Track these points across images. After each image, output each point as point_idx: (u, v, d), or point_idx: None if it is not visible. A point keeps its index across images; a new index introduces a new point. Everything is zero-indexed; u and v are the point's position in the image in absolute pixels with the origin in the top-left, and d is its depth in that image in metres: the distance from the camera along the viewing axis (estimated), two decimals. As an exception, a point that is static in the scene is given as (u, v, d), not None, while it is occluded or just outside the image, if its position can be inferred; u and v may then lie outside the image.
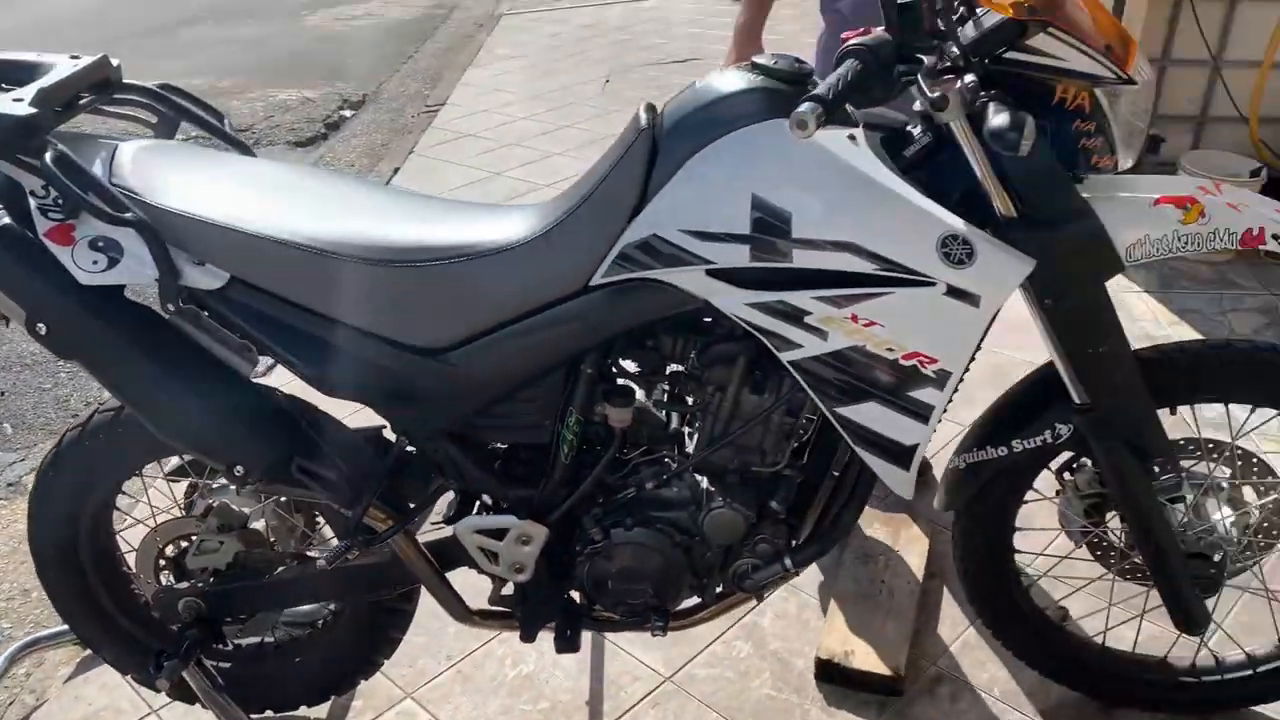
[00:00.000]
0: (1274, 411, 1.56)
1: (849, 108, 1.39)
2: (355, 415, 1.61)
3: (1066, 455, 1.65)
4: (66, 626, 2.12)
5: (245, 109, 6.01)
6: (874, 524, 2.24)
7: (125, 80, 1.57)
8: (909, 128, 1.41)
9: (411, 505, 1.57)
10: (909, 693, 1.87)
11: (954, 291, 1.30)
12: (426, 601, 1.72)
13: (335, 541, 1.71)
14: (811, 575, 2.15)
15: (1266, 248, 1.38)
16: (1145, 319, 2.92)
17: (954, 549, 1.73)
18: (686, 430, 1.58)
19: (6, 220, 1.40)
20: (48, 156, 1.35)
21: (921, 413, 1.38)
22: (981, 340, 1.35)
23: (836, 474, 1.55)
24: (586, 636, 2.00)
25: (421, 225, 1.46)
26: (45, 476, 1.67)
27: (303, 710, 1.89)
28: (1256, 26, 3.32)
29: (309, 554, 1.70)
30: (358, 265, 1.41)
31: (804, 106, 1.13)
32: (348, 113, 6.10)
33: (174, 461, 1.72)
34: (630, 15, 7.95)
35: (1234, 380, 1.51)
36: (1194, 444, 1.61)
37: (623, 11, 8.11)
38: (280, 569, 1.67)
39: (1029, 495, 1.68)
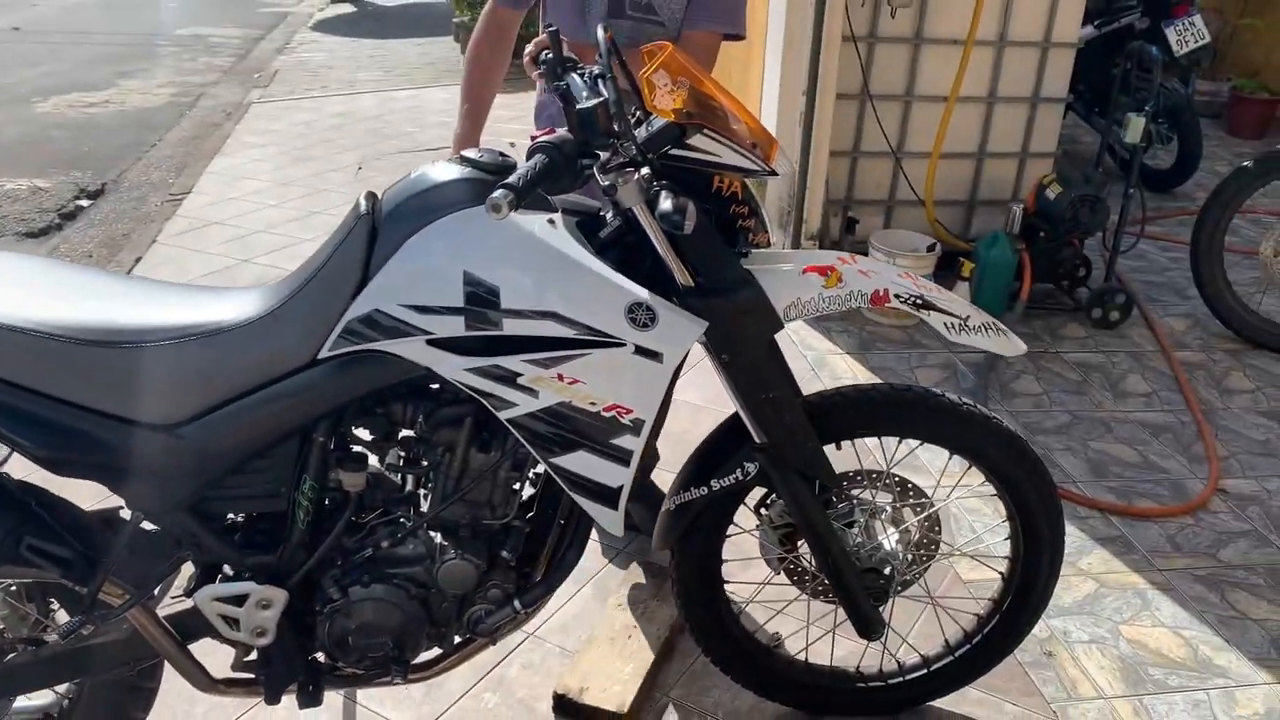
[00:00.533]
0: (916, 442, 1.86)
1: (550, 197, 1.60)
2: (101, 499, 1.63)
3: (761, 492, 1.90)
4: None
5: (-34, 199, 5.67)
6: (647, 574, 2.37)
7: None
8: (603, 213, 1.63)
9: (149, 580, 1.60)
10: (643, 722, 2.04)
11: (641, 350, 1.51)
12: (172, 679, 1.74)
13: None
14: (556, 625, 2.30)
15: (891, 305, 1.68)
16: (846, 376, 3.30)
17: (672, 584, 1.93)
18: (421, 491, 1.71)
19: None
20: None
21: (623, 457, 1.57)
22: (669, 391, 1.56)
23: (562, 522, 1.72)
24: (335, 699, 2.07)
25: (151, 307, 1.54)
26: None
27: (37, 808, 1.84)
28: (928, 123, 3.87)
29: (43, 638, 1.69)
30: (85, 348, 1.47)
31: (498, 193, 1.31)
32: (85, 202, 5.86)
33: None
34: (383, 104, 8.08)
35: (883, 417, 1.80)
36: (860, 475, 1.88)
37: (375, 100, 8.23)
38: (12, 655, 1.65)
39: (732, 530, 1.91)
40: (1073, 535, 2.58)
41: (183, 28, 13.49)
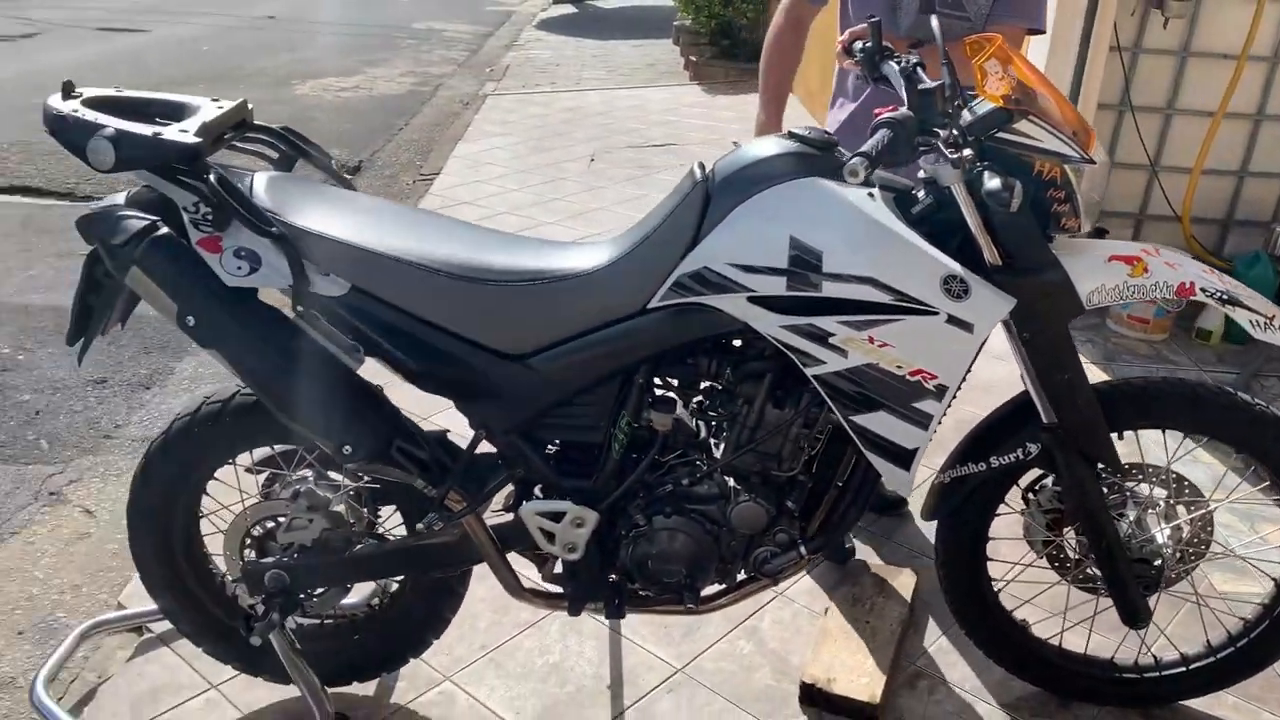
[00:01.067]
0: (1204, 438, 1.88)
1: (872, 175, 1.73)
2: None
3: (1033, 475, 1.96)
4: (127, 610, 2.33)
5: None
6: (864, 574, 2.42)
7: (255, 122, 1.86)
8: (914, 191, 1.74)
9: (485, 490, 1.82)
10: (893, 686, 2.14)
11: (953, 320, 1.61)
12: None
13: (397, 531, 1.97)
14: (803, 587, 2.42)
15: (1196, 298, 1.72)
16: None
17: (935, 555, 2.02)
18: (712, 439, 1.87)
19: (166, 230, 1.66)
20: (211, 178, 1.63)
21: (922, 421, 1.68)
22: (973, 362, 1.66)
23: (840, 483, 1.85)
24: (601, 630, 2.26)
25: (513, 254, 1.76)
26: (152, 459, 1.90)
27: (354, 687, 2.10)
28: (1189, 138, 3.78)
29: (386, 536, 1.94)
30: (462, 283, 1.69)
31: (855, 160, 1.46)
32: (347, 177, 6.38)
33: (261, 454, 1.97)
34: (609, 101, 8.41)
35: (1172, 410, 1.84)
36: (1137, 468, 1.92)
37: (601, 98, 8.57)
38: (360, 546, 1.90)
39: (1001, 511, 1.98)
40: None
41: (418, 22, 14.35)
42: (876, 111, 1.58)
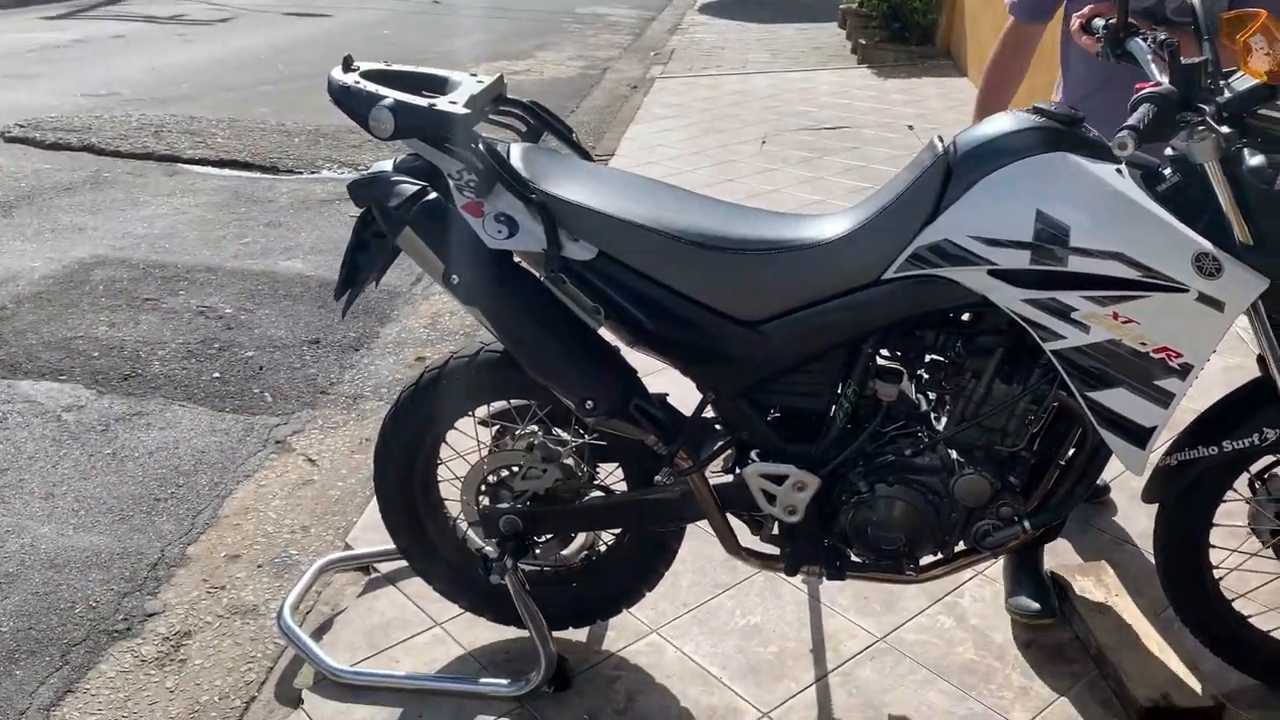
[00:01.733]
0: None
1: (1118, 151, 1.72)
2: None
3: (1265, 462, 1.92)
4: (358, 550, 2.52)
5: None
6: (1075, 578, 2.31)
7: (509, 97, 1.98)
8: (1160, 169, 1.73)
9: (711, 450, 1.90)
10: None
11: (1204, 298, 1.60)
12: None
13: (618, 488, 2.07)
14: (999, 569, 2.42)
15: None
16: None
17: (1155, 540, 1.99)
18: (934, 413, 1.89)
19: (435, 195, 1.80)
20: (480, 146, 1.76)
21: (1163, 399, 1.67)
22: (1219, 341, 1.64)
23: (1062, 463, 1.85)
24: (801, 597, 2.32)
25: (749, 224, 1.82)
26: (402, 406, 2.05)
27: (569, 634, 2.23)
28: None
29: (611, 490, 2.05)
30: (701, 250, 1.77)
31: (1124, 133, 1.47)
32: (587, 148, 6.61)
33: (496, 408, 2.10)
34: (778, 84, 8.40)
35: None
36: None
37: (770, 81, 8.57)
38: (590, 498, 2.01)
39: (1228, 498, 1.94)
40: None
41: (583, 7, 14.59)
42: (1139, 86, 1.57)
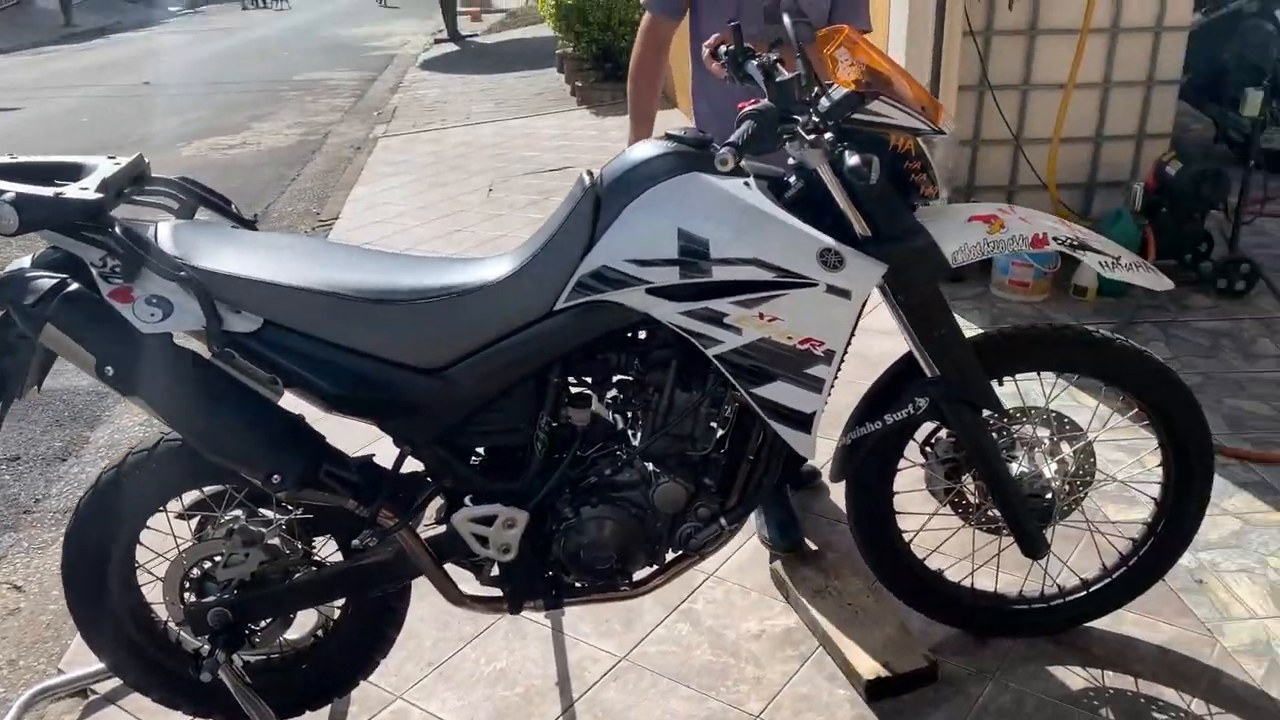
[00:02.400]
0: (1074, 376, 2.05)
1: (742, 165, 1.86)
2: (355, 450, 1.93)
3: (928, 430, 2.11)
4: (70, 674, 2.33)
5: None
6: (795, 567, 2.44)
7: (154, 175, 1.92)
8: (786, 178, 1.88)
9: (414, 504, 1.90)
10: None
11: (832, 289, 1.75)
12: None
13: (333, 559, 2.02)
14: (733, 566, 2.53)
15: (1053, 248, 1.89)
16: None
17: (848, 514, 2.15)
18: (630, 429, 1.97)
19: (77, 285, 1.71)
20: (117, 230, 1.69)
21: (816, 385, 1.81)
22: (855, 326, 1.80)
23: (752, 457, 1.96)
24: (544, 631, 2.34)
25: (419, 273, 1.84)
26: (82, 516, 1.93)
27: (307, 716, 2.14)
28: (1046, 111, 4.03)
29: (323, 562, 2.00)
30: (372, 305, 1.77)
31: (724, 150, 1.58)
32: (248, 218, 6.35)
33: (190, 499, 2.00)
34: (502, 132, 8.52)
35: (1041, 353, 2.00)
36: (1021, 411, 2.08)
37: (494, 130, 8.68)
38: (297, 575, 1.95)
39: (903, 465, 2.12)
40: (1216, 481, 2.71)
41: (301, 74, 14.27)
42: (740, 105, 1.71)
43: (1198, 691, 2.07)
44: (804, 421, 1.84)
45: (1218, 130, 4.23)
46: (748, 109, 1.68)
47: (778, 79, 1.73)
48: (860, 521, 2.14)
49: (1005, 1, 3.84)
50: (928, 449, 2.15)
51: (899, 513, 2.16)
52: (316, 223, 6.26)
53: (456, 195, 6.48)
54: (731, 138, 1.62)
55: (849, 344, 1.81)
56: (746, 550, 2.60)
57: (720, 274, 1.74)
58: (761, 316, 1.76)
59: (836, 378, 1.82)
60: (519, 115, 9.38)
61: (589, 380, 1.93)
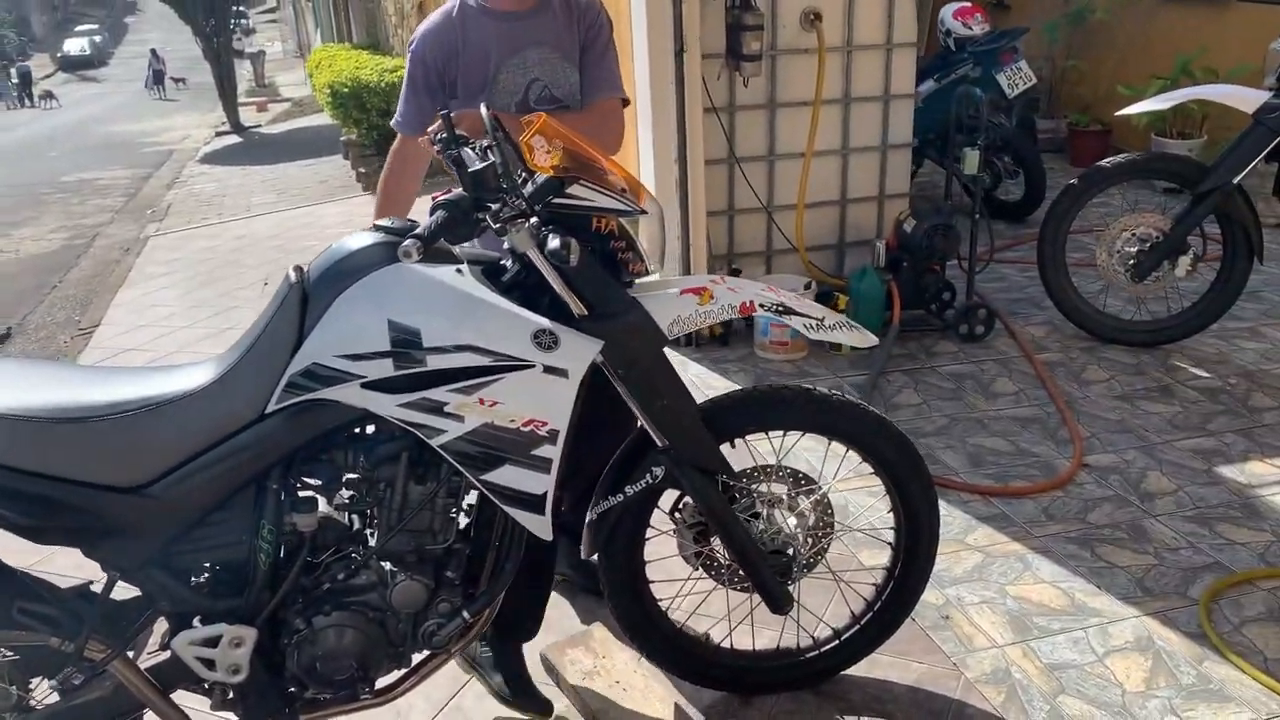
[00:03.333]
0: (800, 434, 2.14)
1: (456, 249, 1.87)
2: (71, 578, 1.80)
3: (674, 497, 2.14)
4: None
5: None
6: (564, 651, 2.41)
7: None
8: (503, 262, 1.89)
9: (128, 633, 1.77)
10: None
11: (549, 369, 1.76)
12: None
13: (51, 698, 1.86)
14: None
15: (758, 315, 1.97)
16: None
17: (603, 590, 2.15)
18: (368, 530, 1.91)
19: None
20: None
21: (544, 466, 1.81)
22: (578, 402, 1.81)
23: (497, 543, 1.94)
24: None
25: (116, 386, 1.74)
26: None
27: None
28: (791, 178, 4.26)
29: (33, 708, 1.82)
30: (63, 425, 1.66)
31: (408, 242, 1.58)
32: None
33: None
34: (281, 224, 8.30)
35: (765, 414, 2.07)
36: (756, 470, 2.14)
37: (274, 221, 8.45)
38: (4, 722, 1.78)
39: (653, 534, 2.14)
40: (958, 517, 2.88)
41: (67, 175, 13.56)
42: (434, 196, 1.71)
43: (946, 724, 2.16)
44: (536, 503, 1.83)
45: (951, 181, 4.58)
46: (440, 198, 1.69)
47: (471, 168, 1.75)
48: (615, 594, 2.14)
49: (741, 80, 4.04)
50: (676, 514, 2.18)
51: (653, 581, 2.18)
52: (77, 331, 5.90)
53: (231, 290, 6.24)
54: (418, 229, 1.62)
55: (574, 422, 1.82)
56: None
57: (435, 363, 1.73)
58: (482, 402, 1.75)
59: (562, 457, 1.83)
60: (302, 204, 9.18)
61: (317, 482, 1.87)
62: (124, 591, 1.81)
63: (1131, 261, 3.89)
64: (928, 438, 3.35)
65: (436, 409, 1.74)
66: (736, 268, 4.23)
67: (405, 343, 1.72)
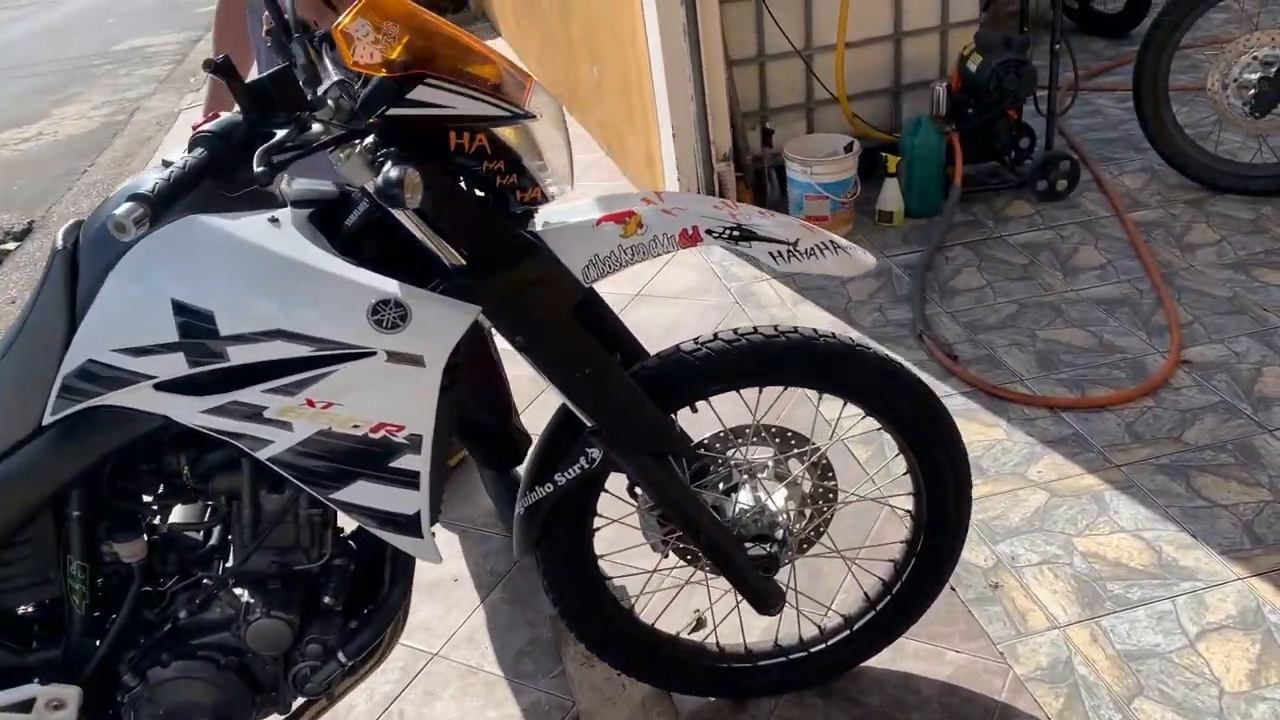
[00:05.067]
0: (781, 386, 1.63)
1: (282, 187, 1.38)
2: None
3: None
4: None
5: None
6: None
7: None
8: (355, 198, 1.39)
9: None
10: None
11: (395, 356, 1.28)
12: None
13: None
14: (461, 638, 2.10)
15: (707, 243, 1.44)
16: (774, 304, 3.04)
17: (546, 595, 1.72)
18: (216, 555, 1.51)
19: None
20: None
21: (410, 481, 1.36)
22: (446, 395, 1.34)
23: (393, 553, 1.52)
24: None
25: None
26: None
27: None
28: (829, 14, 3.53)
29: None
30: None
31: (122, 209, 1.04)
32: (10, 245, 5.69)
33: None
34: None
35: (731, 369, 1.56)
36: (727, 434, 1.65)
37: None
38: None
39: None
40: (1019, 441, 2.34)
41: (120, 43, 13.19)
42: (194, 124, 1.21)
43: (983, 741, 1.71)
44: (410, 525, 1.39)
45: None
46: (200, 129, 1.18)
47: (249, 80, 1.22)
48: (560, 598, 1.71)
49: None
50: (637, 494, 1.71)
51: (610, 578, 1.74)
52: (92, 225, 5.59)
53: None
54: (144, 184, 1.11)
55: (443, 422, 1.35)
56: (477, 617, 2.16)
57: (239, 355, 1.27)
58: (311, 404, 1.30)
59: (438, 465, 1.37)
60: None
61: (143, 501, 1.45)
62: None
63: (1253, 91, 3.12)
64: (989, 332, 2.77)
65: (254, 415, 1.30)
66: (770, 127, 3.59)
67: (197, 330, 1.26)
